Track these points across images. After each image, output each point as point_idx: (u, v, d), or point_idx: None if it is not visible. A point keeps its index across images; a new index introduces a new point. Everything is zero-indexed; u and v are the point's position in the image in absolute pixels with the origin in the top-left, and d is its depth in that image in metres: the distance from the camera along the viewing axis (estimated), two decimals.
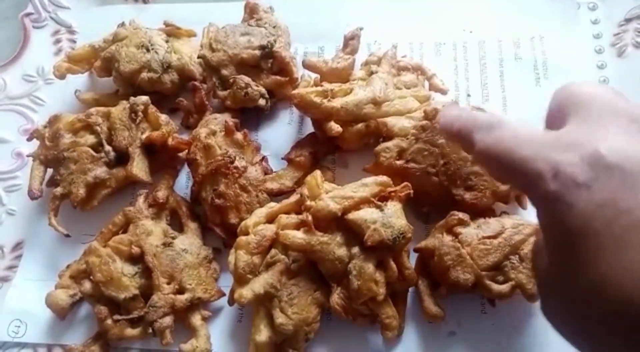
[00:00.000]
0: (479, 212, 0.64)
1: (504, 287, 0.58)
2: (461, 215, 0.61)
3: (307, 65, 0.72)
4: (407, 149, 0.65)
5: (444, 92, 0.73)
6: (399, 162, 0.65)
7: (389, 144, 0.66)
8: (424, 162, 0.64)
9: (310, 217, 0.59)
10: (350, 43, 0.74)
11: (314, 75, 0.73)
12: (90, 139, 0.70)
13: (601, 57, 0.76)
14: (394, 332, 0.60)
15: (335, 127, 0.67)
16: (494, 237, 0.60)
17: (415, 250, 0.63)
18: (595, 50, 0.76)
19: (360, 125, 0.68)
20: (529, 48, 0.78)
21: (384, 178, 0.62)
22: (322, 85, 0.70)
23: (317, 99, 0.68)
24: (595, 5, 0.79)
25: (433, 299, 0.62)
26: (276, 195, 0.69)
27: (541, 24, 0.79)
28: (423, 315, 0.62)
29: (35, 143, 0.73)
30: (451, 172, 0.63)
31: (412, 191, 0.61)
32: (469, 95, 0.76)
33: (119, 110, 0.70)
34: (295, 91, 0.69)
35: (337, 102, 0.67)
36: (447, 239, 0.61)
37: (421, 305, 0.62)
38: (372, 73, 0.71)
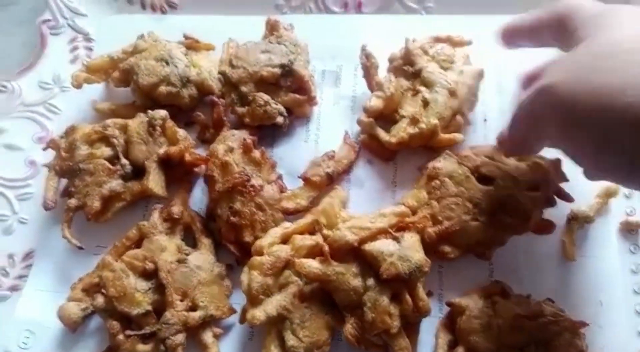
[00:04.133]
0: (538, 228, 0.64)
1: None
2: (504, 286, 0.62)
3: (370, 112, 0.72)
4: (436, 213, 0.65)
5: (469, 43, 0.76)
6: (434, 229, 0.64)
7: (416, 218, 0.65)
8: (456, 214, 0.64)
9: (326, 247, 0.59)
10: (370, 64, 0.74)
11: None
12: (107, 151, 0.70)
13: None
14: None
15: (454, 136, 0.70)
16: (530, 319, 0.59)
17: (448, 304, 0.63)
18: None
19: (457, 118, 0.71)
20: None
21: (402, 208, 0.62)
22: (401, 116, 0.72)
23: (413, 129, 0.69)
24: None
25: None
26: (291, 214, 0.69)
27: (559, 51, 0.79)
28: None
29: (49, 152, 0.73)
30: (486, 208, 0.63)
31: (430, 222, 0.61)
32: (485, 120, 0.77)
33: (137, 124, 0.70)
34: (393, 140, 0.71)
35: (431, 118, 0.69)
36: (483, 303, 0.61)
37: None
38: (413, 74, 0.73)
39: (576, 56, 0.48)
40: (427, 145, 0.71)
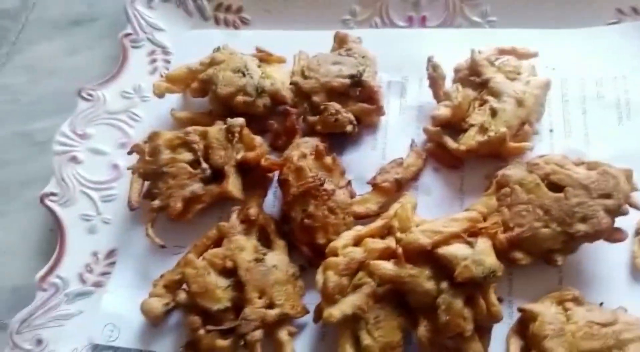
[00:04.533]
0: (609, 236, 0.64)
1: None
2: (577, 293, 0.62)
3: (438, 121, 0.75)
4: (507, 220, 0.66)
5: (535, 54, 0.78)
6: (505, 236, 0.65)
7: (488, 224, 0.66)
8: (527, 221, 0.65)
9: (400, 250, 0.61)
10: (437, 75, 0.77)
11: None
12: (188, 156, 0.74)
13: None
14: None
15: (523, 144, 0.72)
16: (603, 325, 0.59)
17: (520, 310, 0.64)
18: None
19: (525, 128, 0.73)
20: (612, 87, 0.80)
21: (474, 214, 0.63)
22: (470, 125, 0.74)
23: (482, 137, 0.71)
24: None
25: None
26: (361, 218, 0.71)
27: (623, 64, 0.81)
28: None
29: (132, 157, 0.78)
30: (557, 215, 0.64)
31: (502, 228, 0.62)
32: (551, 130, 0.78)
33: (216, 130, 0.74)
34: (462, 148, 0.72)
35: (500, 127, 0.71)
36: (555, 309, 0.61)
37: None
38: (480, 85, 0.75)
39: None
40: (494, 154, 0.73)
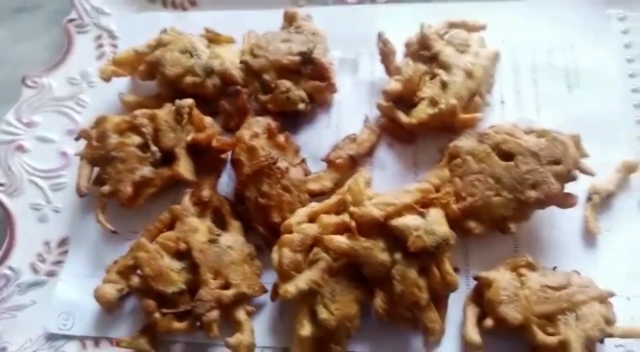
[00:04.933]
0: (561, 201, 0.65)
1: (550, 339, 0.58)
2: (530, 259, 0.63)
3: (389, 94, 0.75)
4: (459, 190, 0.67)
5: (484, 27, 0.78)
6: (458, 206, 0.66)
7: (440, 194, 0.66)
8: (479, 190, 0.66)
9: (353, 223, 0.61)
10: (387, 50, 0.76)
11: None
12: (137, 139, 0.72)
13: (632, 66, 0.78)
14: (437, 337, 0.62)
15: (474, 115, 0.72)
16: (557, 289, 0.60)
17: (475, 278, 0.64)
18: (627, 60, 0.79)
19: (476, 99, 0.73)
20: (561, 57, 0.80)
21: (425, 185, 0.63)
22: (420, 99, 0.74)
23: (432, 110, 0.71)
24: (625, 16, 0.81)
25: (475, 328, 0.62)
26: (316, 195, 0.71)
27: (572, 34, 0.82)
28: (462, 340, 0.62)
29: (81, 143, 0.76)
30: (508, 183, 0.65)
31: (454, 198, 0.63)
32: (502, 102, 0.78)
33: (165, 113, 0.73)
34: (413, 121, 0.73)
35: (450, 99, 0.71)
36: (510, 275, 0.62)
37: (462, 329, 0.63)
38: (430, 59, 0.75)
39: None
40: (446, 127, 0.73)
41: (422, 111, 0.72)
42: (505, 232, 0.66)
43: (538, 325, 0.59)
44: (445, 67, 0.73)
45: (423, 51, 0.76)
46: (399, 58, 0.78)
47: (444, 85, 0.72)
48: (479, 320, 0.63)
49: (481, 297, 0.64)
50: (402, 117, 0.74)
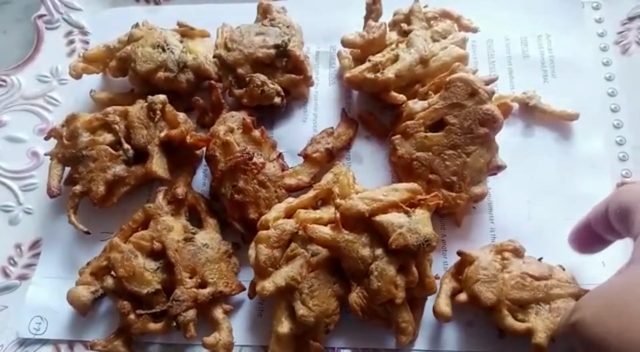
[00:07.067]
0: (504, 110, 0.67)
1: (518, 325, 0.59)
2: (518, 245, 0.63)
3: (345, 43, 0.74)
4: (444, 179, 0.66)
5: (474, 30, 0.77)
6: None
7: (429, 196, 0.64)
8: (455, 163, 0.65)
9: (338, 215, 0.60)
10: (374, 8, 0.75)
11: (349, 50, 0.76)
12: (108, 137, 0.71)
13: (606, 54, 0.78)
14: (408, 338, 0.61)
15: (399, 96, 0.71)
16: (537, 279, 0.60)
17: (459, 253, 0.64)
18: (601, 48, 0.79)
19: (417, 87, 0.72)
20: (536, 46, 0.80)
21: (414, 185, 0.63)
22: (368, 60, 0.72)
23: (370, 75, 0.70)
24: (599, 4, 0.81)
25: (448, 300, 0.62)
26: (294, 190, 0.70)
27: (547, 23, 0.82)
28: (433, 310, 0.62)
29: (52, 143, 0.74)
30: (462, 139, 0.65)
31: (441, 201, 0.62)
32: None
33: (137, 109, 0.71)
34: (348, 75, 0.72)
35: (389, 72, 0.70)
36: (493, 257, 0.62)
37: (435, 300, 0.62)
38: (405, 33, 0.74)
39: (611, 287, 0.48)
40: (377, 97, 0.74)
41: (361, 70, 0.72)
42: (500, 169, 0.67)
43: (509, 310, 0.59)
44: (409, 44, 0.73)
45: (404, 24, 0.76)
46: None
47: (395, 58, 0.72)
48: (454, 295, 0.63)
49: (461, 273, 0.64)
50: (346, 68, 0.75)
